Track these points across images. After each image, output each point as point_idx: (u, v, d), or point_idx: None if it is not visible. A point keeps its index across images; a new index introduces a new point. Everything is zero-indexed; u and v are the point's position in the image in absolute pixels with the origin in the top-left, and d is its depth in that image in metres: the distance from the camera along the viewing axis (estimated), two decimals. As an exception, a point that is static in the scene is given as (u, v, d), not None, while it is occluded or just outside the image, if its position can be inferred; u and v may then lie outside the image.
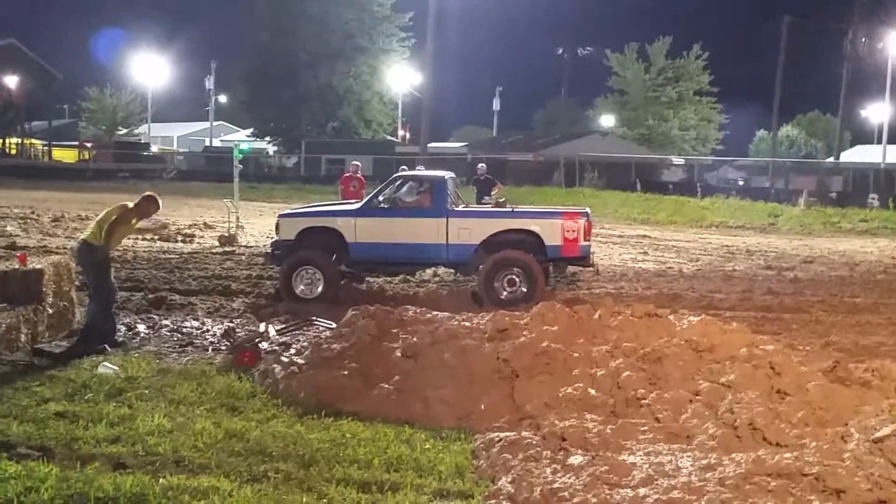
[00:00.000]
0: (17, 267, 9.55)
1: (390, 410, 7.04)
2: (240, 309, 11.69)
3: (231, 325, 10.55)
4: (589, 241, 12.50)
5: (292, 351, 8.52)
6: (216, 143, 74.65)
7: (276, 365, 8.05)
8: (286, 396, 7.38)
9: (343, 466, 5.73)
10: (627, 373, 7.00)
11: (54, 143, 61.35)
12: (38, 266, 9.65)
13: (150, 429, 6.32)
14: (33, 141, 61.48)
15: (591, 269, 13.52)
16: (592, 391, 6.86)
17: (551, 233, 12.27)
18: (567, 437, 5.98)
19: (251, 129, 67.00)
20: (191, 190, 37.76)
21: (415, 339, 7.88)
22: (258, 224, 22.66)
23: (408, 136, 72.34)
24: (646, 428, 6.20)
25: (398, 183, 13.17)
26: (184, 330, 10.30)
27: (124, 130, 77.08)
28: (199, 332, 10.25)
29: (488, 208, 14.10)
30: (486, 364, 7.46)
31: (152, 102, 72.47)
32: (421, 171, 15.61)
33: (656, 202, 35.09)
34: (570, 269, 13.67)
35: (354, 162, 21.15)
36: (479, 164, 22.78)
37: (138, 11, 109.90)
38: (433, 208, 12.58)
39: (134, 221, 9.64)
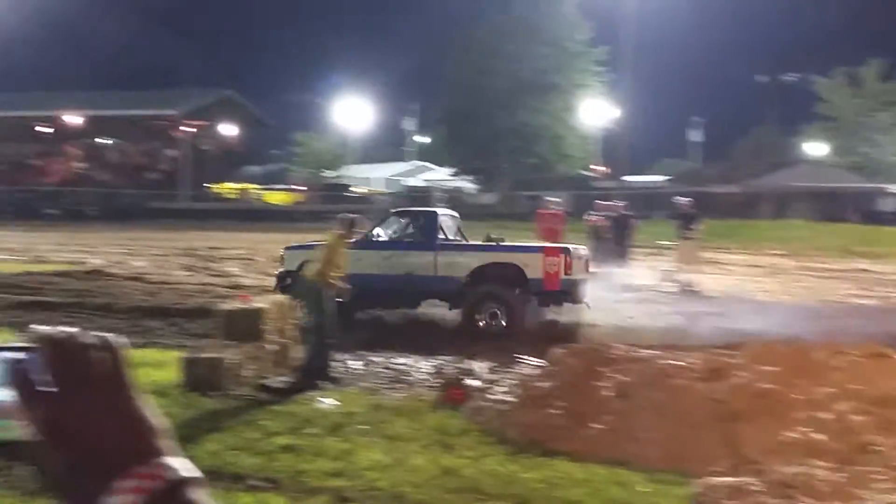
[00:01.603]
0: (241, 306, 10.16)
1: (602, 450, 6.93)
2: (447, 346, 11.89)
3: (440, 362, 10.76)
4: (570, 275, 12.72)
5: (501, 389, 8.59)
6: (417, 182, 76.72)
7: (485, 402, 8.14)
8: (497, 434, 7.43)
9: (559, 507, 5.70)
10: (856, 417, 6.60)
11: (267, 186, 65.04)
12: (261, 305, 10.23)
13: (369, 464, 6.52)
14: (249, 185, 65.40)
15: (579, 304, 13.24)
16: (817, 436, 6.51)
17: (533, 267, 12.69)
18: (794, 484, 5.69)
19: (450, 169, 68.46)
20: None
21: (626, 379, 7.76)
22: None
23: (605, 170, 71.76)
24: (884, 477, 5.81)
25: (393, 217, 14.06)
26: (394, 367, 10.60)
27: (330, 173, 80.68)
28: (409, 368, 10.52)
29: (476, 243, 14.38)
30: (701, 405, 7.23)
31: (354, 145, 75.63)
32: (414, 207, 16.79)
33: (874, 233, 33.04)
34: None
35: (551, 198, 21.16)
36: (681, 198, 22.27)
37: (342, 60, 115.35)
38: (424, 242, 13.29)
39: (341, 246, 10.05)
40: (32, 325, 0.78)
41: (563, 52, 59.90)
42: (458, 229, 14.45)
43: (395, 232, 13.87)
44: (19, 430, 0.74)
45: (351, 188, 65.38)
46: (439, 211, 14.27)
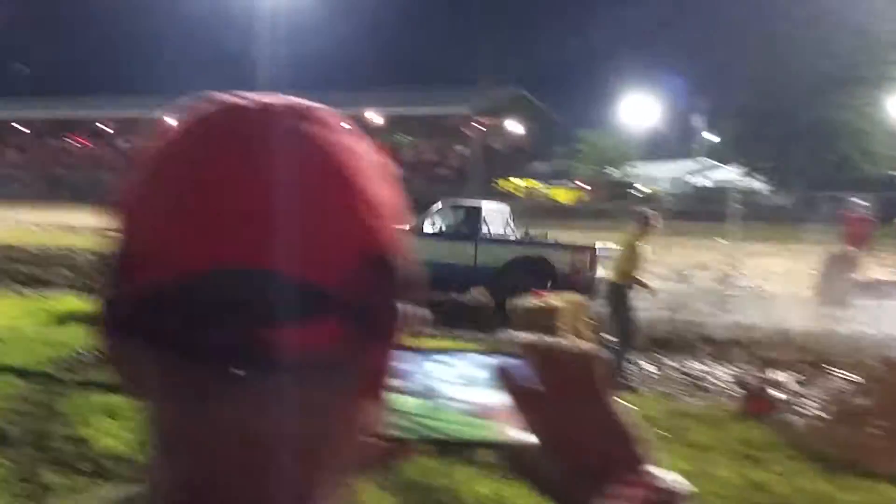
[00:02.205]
0: (537, 303, 10.33)
1: (931, 478, 6.36)
2: (745, 354, 11.39)
3: (739, 370, 10.33)
4: (594, 272, 13.42)
5: (810, 402, 8.11)
6: (705, 181, 74.35)
7: (793, 416, 7.73)
8: (807, 450, 7.02)
9: (883, 536, 5.29)
10: None
11: (550, 183, 65.65)
12: (556, 303, 10.34)
13: (672, 470, 6.36)
14: (533, 182, 66.30)
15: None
16: None
17: (561, 261, 13.75)
18: None
19: (741, 167, 65.67)
20: (681, 229, 37.86)
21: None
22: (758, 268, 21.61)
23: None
24: None
25: (442, 210, 15.05)
26: (690, 372, 10.31)
27: (614, 170, 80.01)
28: (704, 374, 10.20)
29: (512, 237, 15.49)
30: None
31: (639, 141, 74.61)
32: (461, 200, 16.95)
33: None
34: None
35: (857, 201, 19.71)
36: None
37: (630, 56, 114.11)
38: (467, 234, 14.43)
39: (639, 244, 9.83)
40: (510, 332, 0.80)
41: (873, 43, 55.72)
42: (508, 223, 15.62)
43: (445, 223, 14.79)
44: (500, 432, 0.76)
45: (635, 186, 64.71)
46: (485, 205, 15.44)
